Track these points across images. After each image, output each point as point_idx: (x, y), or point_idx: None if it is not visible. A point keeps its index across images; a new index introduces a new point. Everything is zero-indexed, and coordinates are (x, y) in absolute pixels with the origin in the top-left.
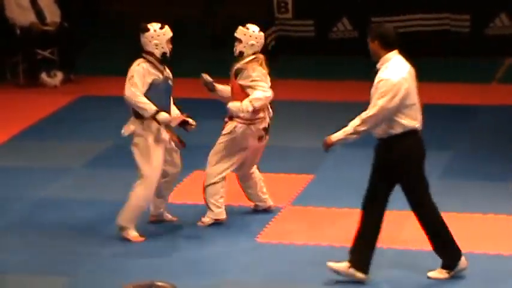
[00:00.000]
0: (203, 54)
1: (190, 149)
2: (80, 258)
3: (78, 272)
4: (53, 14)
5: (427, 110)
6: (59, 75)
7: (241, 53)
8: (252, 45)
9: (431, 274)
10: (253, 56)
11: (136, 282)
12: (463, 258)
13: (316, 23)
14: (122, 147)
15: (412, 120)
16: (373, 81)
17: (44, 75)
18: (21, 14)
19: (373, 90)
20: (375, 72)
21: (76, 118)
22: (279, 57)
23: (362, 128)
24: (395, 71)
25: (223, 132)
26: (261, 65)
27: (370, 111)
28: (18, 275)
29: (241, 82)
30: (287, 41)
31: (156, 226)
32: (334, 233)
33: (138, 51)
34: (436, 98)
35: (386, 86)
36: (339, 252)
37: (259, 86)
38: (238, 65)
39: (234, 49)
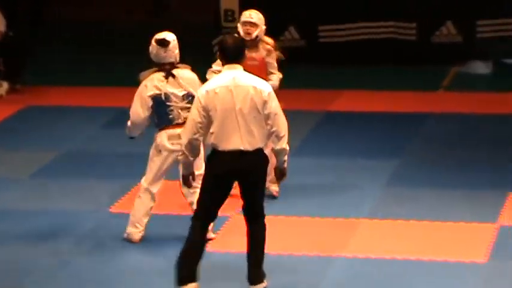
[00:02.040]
0: (147, 60)
1: (138, 157)
2: (27, 270)
3: (24, 283)
4: None
5: (376, 119)
6: (5, 85)
7: (257, 37)
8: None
9: None
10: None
11: None
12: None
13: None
14: (68, 156)
15: (206, 139)
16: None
17: None
18: None
19: None
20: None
21: (22, 128)
22: None
23: (182, 147)
24: (206, 84)
25: None
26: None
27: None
28: None
29: (270, 60)
30: None
31: (103, 235)
32: (283, 241)
33: (81, 62)
34: (383, 106)
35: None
36: (288, 260)
37: (277, 74)
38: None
39: (246, 33)
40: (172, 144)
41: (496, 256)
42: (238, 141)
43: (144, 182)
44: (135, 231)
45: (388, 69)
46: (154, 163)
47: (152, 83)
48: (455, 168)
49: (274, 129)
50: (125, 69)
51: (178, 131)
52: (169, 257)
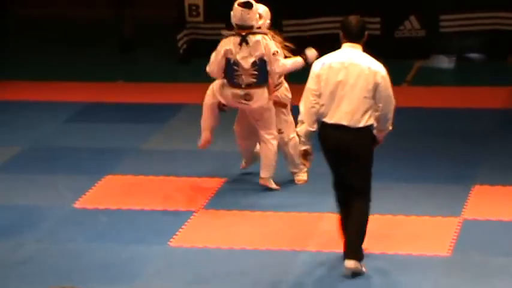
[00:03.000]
0: (111, 57)
1: (102, 152)
2: None
3: None
4: None
5: None
6: None
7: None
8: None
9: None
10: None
11: None
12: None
13: (227, 26)
14: (31, 151)
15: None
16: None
17: None
18: None
19: None
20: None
21: None
22: (190, 61)
23: (300, 117)
24: (323, 58)
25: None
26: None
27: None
28: None
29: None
30: (199, 45)
31: (66, 231)
32: (247, 236)
33: (43, 56)
34: None
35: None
36: (252, 255)
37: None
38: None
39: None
40: (235, 101)
41: (460, 250)
42: (343, 116)
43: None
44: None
45: None
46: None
47: (226, 47)
48: (418, 162)
49: (383, 111)
50: (88, 64)
51: (240, 92)
52: (131, 251)
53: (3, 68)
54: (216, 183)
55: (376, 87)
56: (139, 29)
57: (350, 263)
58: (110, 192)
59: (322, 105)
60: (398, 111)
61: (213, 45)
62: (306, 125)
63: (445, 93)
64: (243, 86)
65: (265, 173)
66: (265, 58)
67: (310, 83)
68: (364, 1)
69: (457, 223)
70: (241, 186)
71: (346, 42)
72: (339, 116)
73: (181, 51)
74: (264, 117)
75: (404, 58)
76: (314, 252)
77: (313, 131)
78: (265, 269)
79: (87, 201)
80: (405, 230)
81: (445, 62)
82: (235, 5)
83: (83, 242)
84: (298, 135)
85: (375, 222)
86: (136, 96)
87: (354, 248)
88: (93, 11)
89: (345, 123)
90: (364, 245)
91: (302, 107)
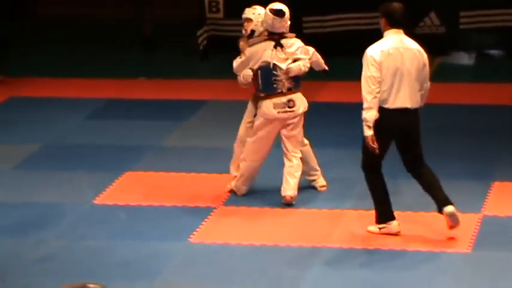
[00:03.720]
0: (135, 55)
1: (122, 149)
2: (10, 262)
3: (7, 275)
4: None
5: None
6: None
7: (253, 32)
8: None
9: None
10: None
11: (68, 285)
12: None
13: None
14: (52, 148)
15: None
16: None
17: None
18: None
19: None
20: None
21: (6, 119)
22: (210, 57)
23: (365, 105)
24: (376, 45)
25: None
26: None
27: (361, 86)
28: None
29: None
30: (219, 41)
31: (87, 227)
32: (267, 232)
33: (66, 54)
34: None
35: (365, 58)
36: (272, 251)
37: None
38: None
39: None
40: (278, 112)
41: (480, 246)
42: (406, 99)
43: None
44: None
45: None
46: (262, 131)
47: (260, 53)
48: (438, 158)
49: (426, 90)
50: (109, 61)
51: (283, 99)
52: (152, 247)
53: (26, 65)
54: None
55: (423, 67)
56: (161, 27)
57: (450, 208)
58: (130, 189)
59: (384, 91)
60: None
61: (233, 41)
62: (374, 111)
63: (465, 89)
64: (284, 91)
65: (294, 191)
66: (302, 61)
67: (372, 71)
68: None
69: (477, 219)
70: (261, 183)
71: (391, 28)
72: (402, 100)
73: (201, 47)
74: (300, 127)
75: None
76: (334, 248)
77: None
78: (285, 265)
79: (108, 197)
80: (426, 226)
81: (465, 59)
82: (267, 11)
83: (103, 239)
84: (366, 120)
85: (397, 219)
86: (157, 93)
87: (445, 197)
88: (115, 10)
89: (408, 105)
90: (382, 243)
91: (367, 94)
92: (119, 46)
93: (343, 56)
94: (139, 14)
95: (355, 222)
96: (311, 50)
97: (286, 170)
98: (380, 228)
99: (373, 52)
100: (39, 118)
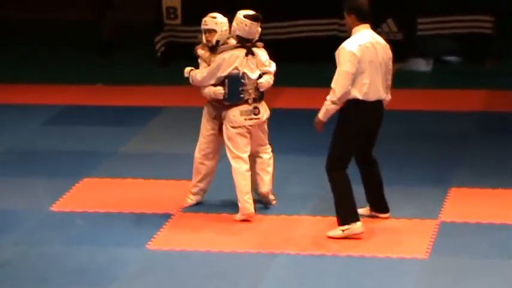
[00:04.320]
0: (90, 59)
1: (80, 155)
2: None
3: None
4: None
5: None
6: None
7: (218, 42)
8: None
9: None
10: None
11: None
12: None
13: None
14: (9, 154)
15: (355, 90)
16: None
17: None
18: None
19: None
20: None
21: None
22: (168, 63)
23: (333, 98)
24: (353, 40)
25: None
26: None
27: (334, 79)
28: None
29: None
30: (177, 47)
31: (43, 234)
32: (226, 238)
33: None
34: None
35: (343, 53)
36: (230, 257)
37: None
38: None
39: (207, 40)
40: (245, 119)
41: (437, 252)
42: (382, 91)
43: (232, 162)
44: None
45: (329, 67)
46: (234, 141)
47: (232, 60)
48: (396, 164)
49: (389, 82)
50: (67, 67)
51: (250, 107)
52: (109, 254)
53: None
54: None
55: (389, 60)
56: (118, 32)
57: (387, 216)
58: (87, 196)
59: (364, 84)
60: None
61: (191, 48)
62: (336, 106)
63: (423, 96)
64: (250, 101)
65: (269, 186)
66: (270, 74)
67: (348, 66)
68: (342, 4)
69: (435, 225)
70: (219, 188)
71: (361, 24)
72: (378, 91)
73: (159, 54)
74: (266, 129)
75: None
76: (293, 254)
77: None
78: (243, 271)
79: (65, 204)
80: (383, 232)
81: (422, 65)
82: (241, 17)
83: (60, 246)
84: (327, 111)
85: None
86: (115, 99)
87: (386, 202)
88: (73, 13)
89: (383, 97)
90: (340, 248)
91: (339, 88)
92: (77, 50)
93: (298, 63)
94: (100, 18)
95: (314, 228)
96: (273, 64)
97: (257, 167)
98: (343, 230)
99: (352, 47)
100: None
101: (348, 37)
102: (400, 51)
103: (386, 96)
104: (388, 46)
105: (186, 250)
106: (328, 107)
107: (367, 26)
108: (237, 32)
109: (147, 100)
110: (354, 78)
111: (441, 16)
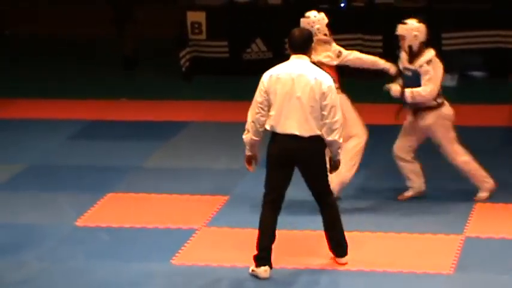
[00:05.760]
0: (114, 75)
1: (104, 170)
2: None
3: None
4: None
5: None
6: None
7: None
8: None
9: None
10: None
11: None
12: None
13: (230, 44)
14: (33, 169)
15: (268, 120)
16: None
17: None
18: None
19: None
20: None
21: None
22: (193, 78)
23: (246, 125)
24: (271, 69)
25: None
26: None
27: None
28: None
29: None
30: (201, 62)
31: (68, 249)
32: (250, 254)
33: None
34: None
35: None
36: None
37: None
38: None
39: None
40: None
41: (462, 268)
42: (294, 126)
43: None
44: None
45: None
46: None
47: None
48: (426, 177)
49: (327, 120)
50: (91, 82)
51: None
52: (134, 269)
53: (5, 86)
54: (218, 200)
55: (321, 97)
56: (143, 47)
57: (345, 260)
58: (111, 210)
59: (271, 116)
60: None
61: (215, 62)
62: (251, 134)
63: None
64: None
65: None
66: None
67: (257, 95)
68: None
69: (460, 241)
70: (244, 204)
71: (293, 53)
72: (291, 126)
73: (183, 68)
74: None
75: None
76: (317, 269)
77: (257, 140)
78: (268, 286)
79: (89, 219)
80: (408, 247)
81: (447, 80)
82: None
83: (84, 261)
84: (244, 142)
85: (378, 240)
86: (139, 113)
87: (345, 246)
88: (100, 30)
89: (296, 132)
90: (365, 264)
91: (249, 116)
92: (100, 66)
93: None
94: (120, 33)
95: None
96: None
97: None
98: (252, 270)
99: (264, 76)
100: (21, 139)
101: None
102: None
103: (306, 132)
104: (321, 81)
105: (210, 265)
106: (243, 137)
107: (300, 56)
108: (421, 37)
109: (171, 115)
110: (267, 108)
111: (466, 31)
